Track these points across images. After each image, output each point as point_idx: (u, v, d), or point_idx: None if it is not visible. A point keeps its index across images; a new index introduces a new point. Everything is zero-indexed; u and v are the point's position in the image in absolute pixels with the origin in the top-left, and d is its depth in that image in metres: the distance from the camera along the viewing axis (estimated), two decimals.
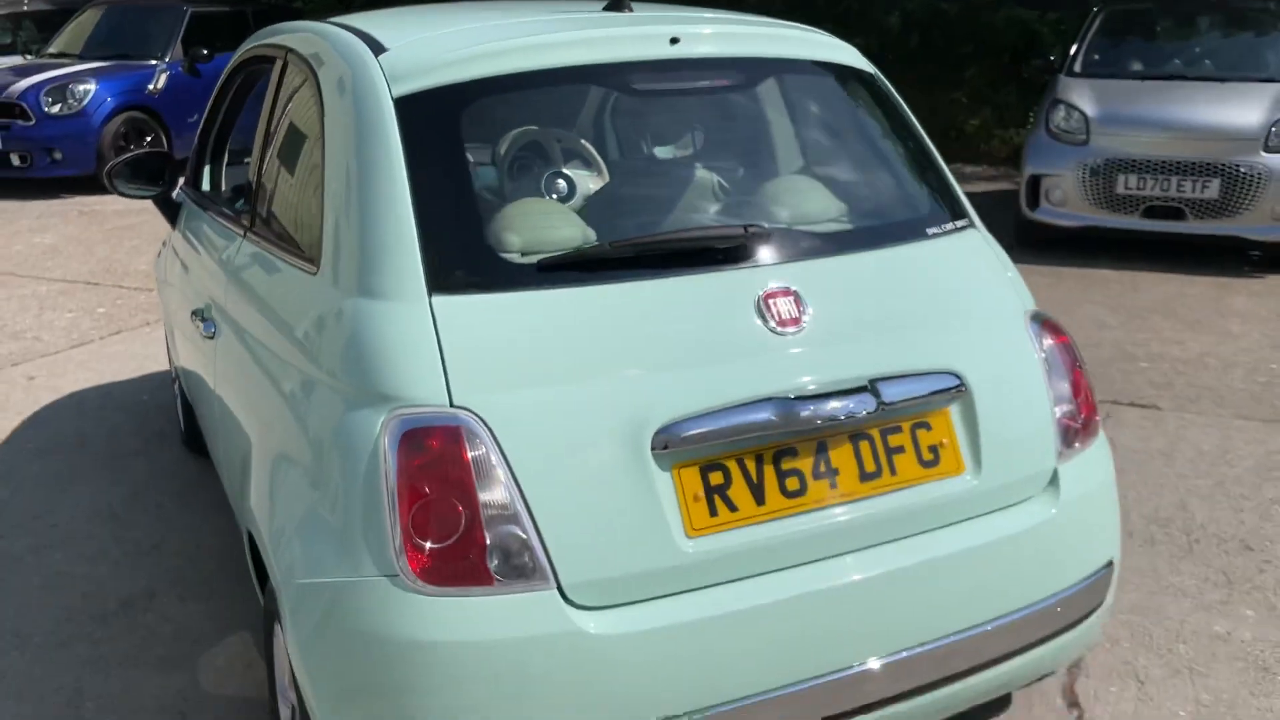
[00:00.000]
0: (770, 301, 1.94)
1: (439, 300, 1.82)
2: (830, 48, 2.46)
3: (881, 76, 2.50)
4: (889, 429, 1.96)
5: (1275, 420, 4.41)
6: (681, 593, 1.77)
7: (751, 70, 2.38)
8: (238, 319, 2.48)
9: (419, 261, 1.85)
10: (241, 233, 2.64)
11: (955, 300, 2.14)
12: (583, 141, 2.58)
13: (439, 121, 2.00)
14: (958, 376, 2.01)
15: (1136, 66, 7.40)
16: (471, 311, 1.83)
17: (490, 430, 1.72)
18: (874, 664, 1.86)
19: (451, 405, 1.74)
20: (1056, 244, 7.15)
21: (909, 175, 2.37)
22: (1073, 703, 2.65)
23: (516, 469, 1.71)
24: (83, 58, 10.21)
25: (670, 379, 1.82)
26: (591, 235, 2.05)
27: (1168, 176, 6.59)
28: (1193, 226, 6.64)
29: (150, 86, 9.74)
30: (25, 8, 11.91)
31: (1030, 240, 7.15)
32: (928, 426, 2.00)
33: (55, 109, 9.28)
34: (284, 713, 2.15)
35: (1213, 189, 6.50)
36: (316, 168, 2.13)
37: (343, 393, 1.83)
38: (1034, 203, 6.97)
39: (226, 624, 2.99)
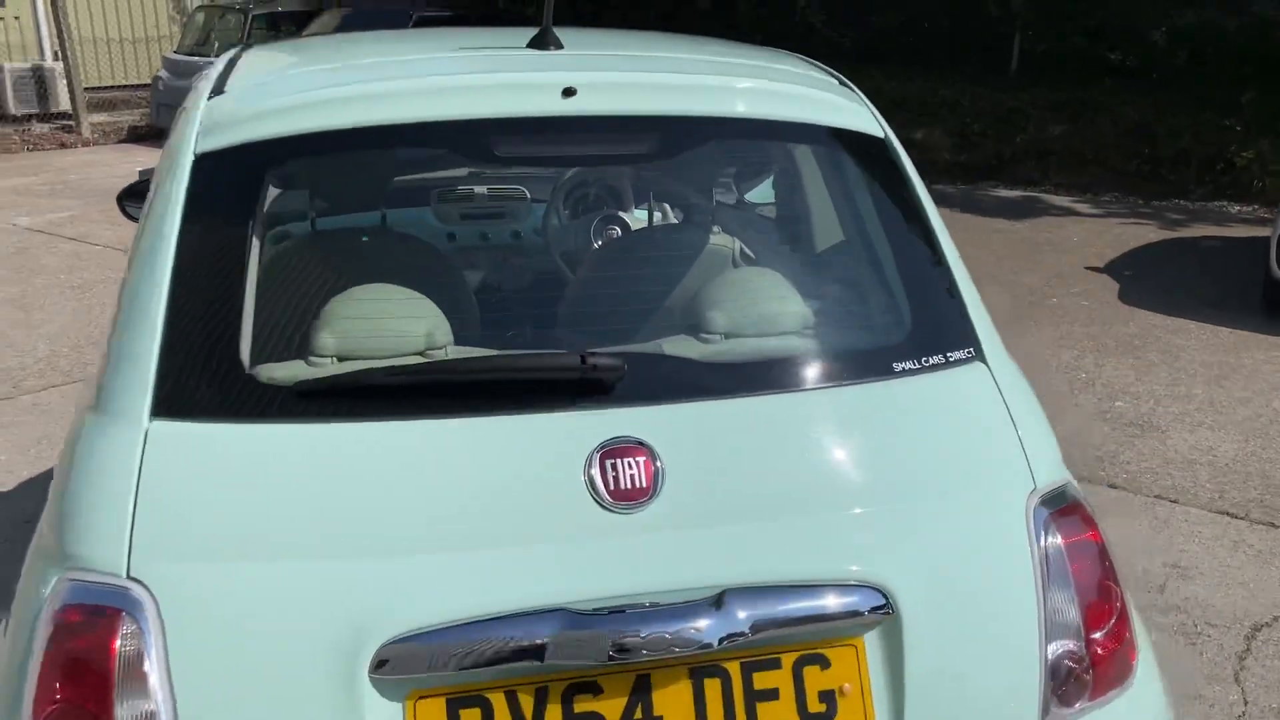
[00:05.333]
0: (608, 463, 1.39)
1: (159, 426, 1.40)
2: (815, 105, 1.83)
3: (895, 143, 1.84)
4: (756, 662, 1.36)
5: None
6: None
7: (680, 133, 1.78)
8: None
9: (152, 368, 1.44)
10: None
11: (908, 471, 1.49)
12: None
13: (231, 187, 1.58)
14: (882, 593, 1.39)
15: None
16: (196, 445, 1.39)
17: (160, 616, 1.28)
18: None
19: (128, 576, 1.31)
20: None
21: (891, 285, 1.71)
22: None
23: (177, 675, 1.26)
24: None
25: (423, 568, 1.31)
26: (441, 337, 1.58)
27: None
28: None
29: None
30: (279, 8, 12.58)
31: (1278, 304, 5.96)
32: (824, 662, 1.38)
33: None
34: None
35: None
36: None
37: (43, 541, 1.44)
38: None
39: None
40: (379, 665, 1.27)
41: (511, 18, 12.10)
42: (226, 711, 1.26)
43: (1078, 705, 1.46)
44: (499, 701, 1.30)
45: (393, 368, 1.47)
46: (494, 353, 1.60)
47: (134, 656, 1.27)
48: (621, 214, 2.65)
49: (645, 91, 1.72)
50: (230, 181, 1.59)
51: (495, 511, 1.36)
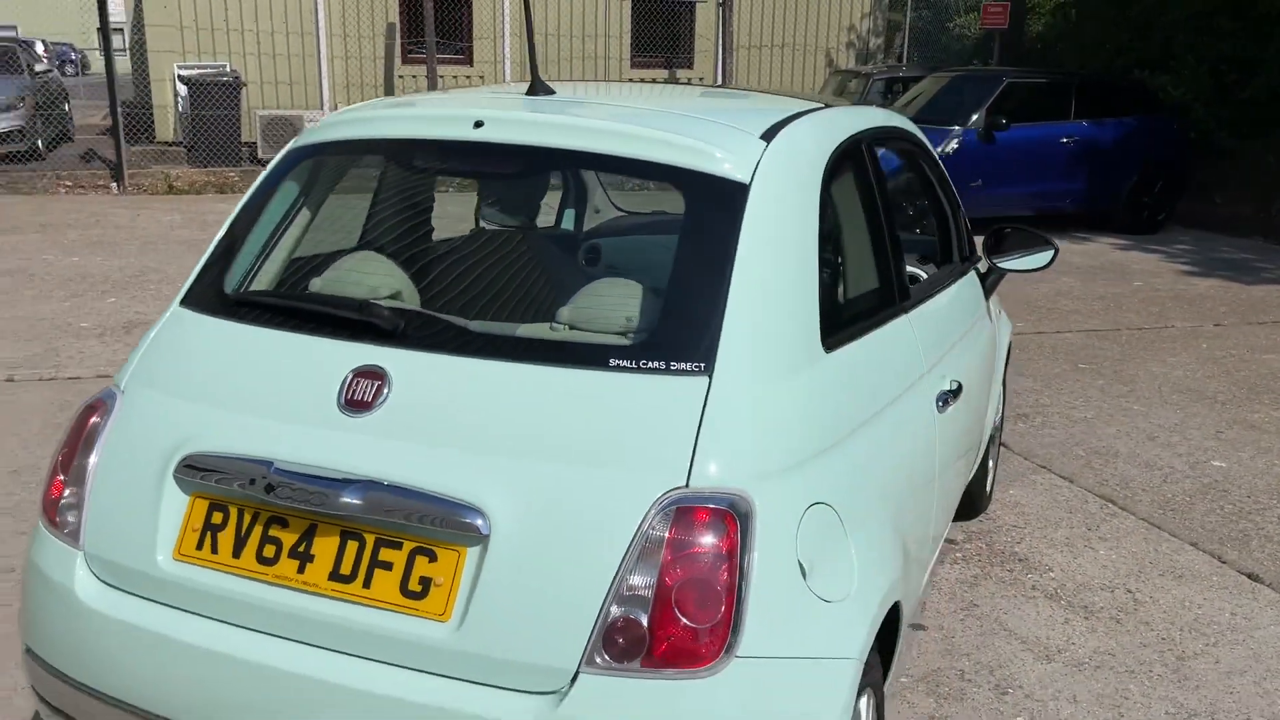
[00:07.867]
0: (358, 380, 1.92)
1: (177, 309, 2.25)
2: (667, 148, 2.07)
3: (760, 190, 1.99)
4: (387, 541, 1.80)
5: None
6: (159, 603, 1.95)
7: (543, 161, 2.16)
8: None
9: (195, 275, 2.30)
10: None
11: (560, 442, 1.77)
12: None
13: (282, 173, 2.38)
14: (482, 516, 1.73)
15: None
16: (182, 322, 2.22)
17: (109, 412, 2.11)
18: None
19: (119, 388, 2.17)
20: None
21: (657, 305, 1.95)
22: None
23: (104, 445, 2.08)
24: (915, 120, 11.19)
25: (222, 418, 1.98)
26: (385, 290, 2.23)
27: None
28: None
29: (938, 150, 10.34)
30: (902, 74, 13.35)
31: None
32: (432, 556, 1.77)
33: None
34: None
35: None
36: None
37: None
38: None
39: None
40: (179, 469, 1.96)
41: (1128, 87, 11.55)
42: (117, 475, 2.04)
43: (626, 664, 1.65)
44: (233, 513, 1.92)
45: (265, 292, 2.16)
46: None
47: (93, 432, 2.11)
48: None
49: (533, 127, 2.17)
50: (293, 169, 2.39)
51: (277, 394, 1.98)
